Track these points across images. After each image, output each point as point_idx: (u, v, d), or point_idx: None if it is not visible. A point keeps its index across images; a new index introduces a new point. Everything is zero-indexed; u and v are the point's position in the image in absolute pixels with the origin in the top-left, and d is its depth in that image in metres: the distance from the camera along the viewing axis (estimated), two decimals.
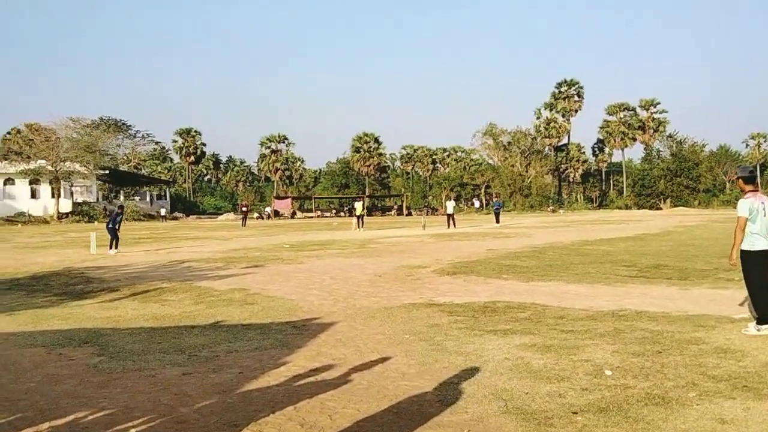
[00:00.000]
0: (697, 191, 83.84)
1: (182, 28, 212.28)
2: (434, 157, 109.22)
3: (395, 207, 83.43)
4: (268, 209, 75.29)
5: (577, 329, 7.77)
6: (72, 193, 65.32)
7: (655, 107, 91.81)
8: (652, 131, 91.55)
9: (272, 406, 5.15)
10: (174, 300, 11.16)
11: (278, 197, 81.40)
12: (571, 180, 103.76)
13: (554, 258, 17.06)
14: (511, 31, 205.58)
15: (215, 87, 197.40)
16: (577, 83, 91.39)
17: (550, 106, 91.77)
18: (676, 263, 15.04)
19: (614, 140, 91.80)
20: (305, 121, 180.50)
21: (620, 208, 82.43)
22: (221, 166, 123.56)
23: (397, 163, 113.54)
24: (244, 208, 52.71)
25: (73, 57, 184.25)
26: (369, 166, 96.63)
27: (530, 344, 7.04)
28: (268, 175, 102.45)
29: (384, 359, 6.59)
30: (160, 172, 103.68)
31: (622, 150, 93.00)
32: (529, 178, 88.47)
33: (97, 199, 71.70)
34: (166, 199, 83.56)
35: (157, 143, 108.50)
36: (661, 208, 78.78)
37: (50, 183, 59.45)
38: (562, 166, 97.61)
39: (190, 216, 75.09)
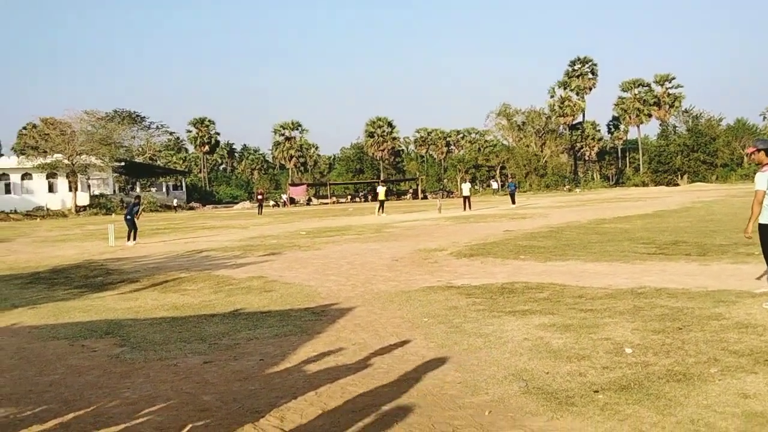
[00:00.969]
0: (714, 166, 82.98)
1: (194, 20, 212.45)
2: (448, 139, 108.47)
3: (410, 191, 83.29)
4: (283, 197, 75.61)
5: (596, 308, 7.73)
6: (89, 186, 65.89)
7: (670, 82, 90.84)
8: (667, 107, 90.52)
9: (294, 391, 5.17)
10: (193, 289, 11.23)
11: (293, 184, 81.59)
12: (586, 158, 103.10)
13: (571, 237, 16.96)
14: (524, 11, 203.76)
15: (227, 76, 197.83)
16: (591, 60, 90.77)
17: (563, 85, 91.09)
18: (695, 239, 14.88)
19: (629, 117, 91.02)
20: (318, 108, 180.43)
21: (637, 185, 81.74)
22: (236, 155, 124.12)
23: (411, 147, 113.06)
24: (260, 196, 53.10)
25: (84, 50, 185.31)
26: (383, 150, 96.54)
27: (549, 324, 7.01)
28: (283, 162, 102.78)
29: (403, 342, 6.60)
30: (175, 163, 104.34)
31: (638, 127, 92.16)
32: (544, 157, 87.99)
33: (114, 191, 72.34)
34: (182, 189, 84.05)
35: (171, 134, 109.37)
36: (678, 184, 78.11)
37: (67, 176, 60.01)
38: (578, 144, 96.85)
39: (207, 206, 75.46)
